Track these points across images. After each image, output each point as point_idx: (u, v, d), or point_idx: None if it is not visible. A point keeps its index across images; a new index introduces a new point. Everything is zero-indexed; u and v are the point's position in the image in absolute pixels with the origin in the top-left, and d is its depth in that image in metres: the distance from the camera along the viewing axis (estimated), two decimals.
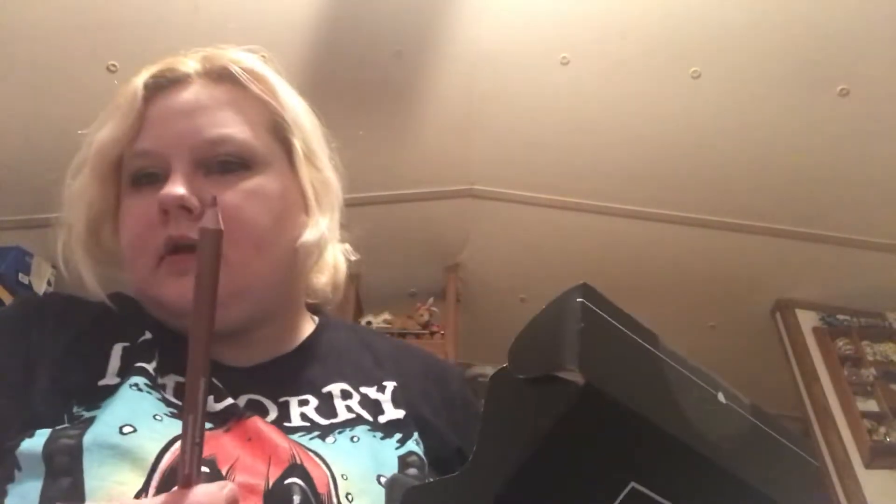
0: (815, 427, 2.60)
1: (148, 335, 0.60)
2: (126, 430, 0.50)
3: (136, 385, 0.54)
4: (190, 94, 0.64)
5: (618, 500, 0.33)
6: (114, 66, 2.02)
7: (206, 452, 0.50)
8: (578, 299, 0.34)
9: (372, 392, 0.65)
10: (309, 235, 0.65)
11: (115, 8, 1.93)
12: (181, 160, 0.60)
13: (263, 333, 0.65)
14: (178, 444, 0.45)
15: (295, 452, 0.54)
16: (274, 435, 0.55)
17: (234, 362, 0.62)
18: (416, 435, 0.62)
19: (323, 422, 0.60)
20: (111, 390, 0.54)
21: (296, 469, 0.52)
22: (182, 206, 0.58)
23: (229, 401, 0.56)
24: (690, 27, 2.02)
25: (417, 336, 2.72)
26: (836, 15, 1.95)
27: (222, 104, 0.64)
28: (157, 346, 0.59)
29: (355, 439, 0.59)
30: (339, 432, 0.59)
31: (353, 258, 0.75)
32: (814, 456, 0.43)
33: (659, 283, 2.82)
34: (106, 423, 0.50)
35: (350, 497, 0.53)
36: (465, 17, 2.01)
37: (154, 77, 0.65)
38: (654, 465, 0.34)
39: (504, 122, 2.33)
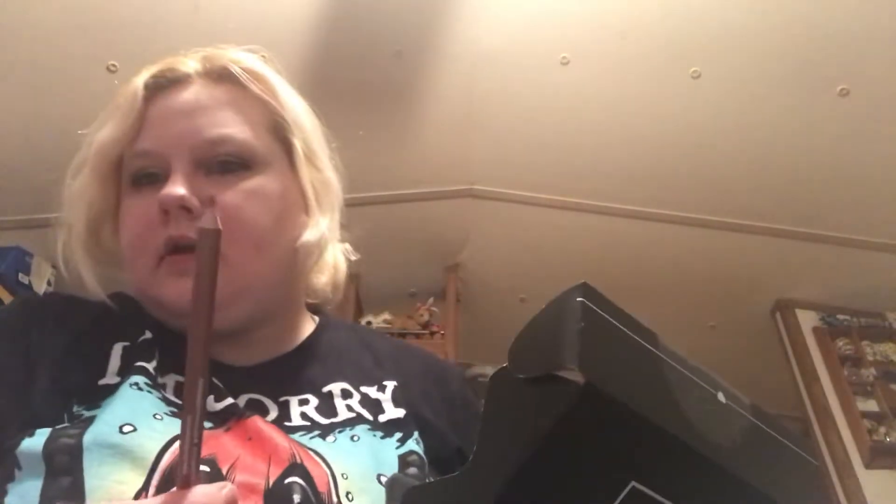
0: (815, 427, 2.60)
1: (148, 334, 0.60)
2: (126, 429, 0.50)
3: (137, 384, 0.54)
4: (190, 94, 0.64)
5: (618, 500, 0.33)
6: (114, 66, 2.02)
7: (207, 452, 0.50)
8: (578, 299, 0.34)
9: (372, 391, 0.65)
10: (309, 235, 0.65)
11: (115, 8, 1.93)
12: (181, 160, 0.60)
13: (264, 333, 0.65)
14: (178, 444, 0.45)
15: (295, 451, 0.54)
16: (274, 434, 0.55)
17: (234, 362, 0.62)
18: (416, 434, 0.62)
19: (323, 421, 0.60)
20: (111, 389, 0.54)
21: (296, 468, 0.52)
22: (182, 206, 0.58)
23: (229, 400, 0.56)
24: (690, 27, 2.02)
25: (417, 336, 2.72)
26: (836, 15, 1.95)
27: (222, 104, 0.64)
28: (158, 345, 0.59)
29: (355, 438, 0.59)
30: (340, 431, 0.59)
31: (353, 258, 0.75)
32: (814, 456, 0.43)
33: (659, 283, 2.82)
34: (106, 423, 0.50)
35: (350, 496, 0.53)
36: (465, 17, 2.01)
37: (154, 77, 0.65)
38: (655, 464, 0.34)
39: (504, 122, 2.33)
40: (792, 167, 2.37)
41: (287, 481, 0.51)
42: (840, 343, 2.76)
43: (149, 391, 0.54)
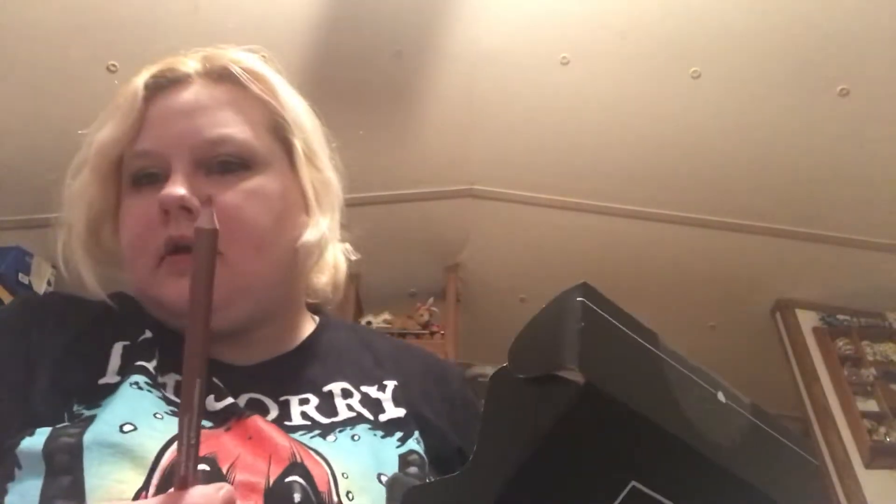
0: (815, 427, 2.60)
1: (148, 334, 0.60)
2: (126, 428, 0.50)
3: (137, 383, 0.54)
4: (190, 94, 0.64)
5: (618, 500, 0.33)
6: (114, 66, 2.02)
7: (207, 451, 0.50)
8: (578, 299, 0.34)
9: (372, 391, 0.65)
10: (309, 235, 0.65)
11: (115, 8, 1.93)
12: (181, 160, 0.60)
13: (264, 333, 0.65)
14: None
15: (295, 451, 0.54)
16: (274, 433, 0.55)
17: (234, 361, 0.62)
18: (416, 434, 0.62)
19: (324, 420, 0.60)
20: (111, 389, 0.54)
21: (296, 467, 0.52)
22: (182, 206, 0.58)
23: (230, 400, 0.56)
24: (690, 27, 2.02)
25: (417, 336, 2.72)
26: (836, 15, 1.95)
27: (222, 104, 0.64)
28: (158, 344, 0.59)
29: (356, 438, 0.59)
30: (340, 431, 0.59)
31: (353, 258, 0.76)
32: (814, 455, 0.43)
33: (659, 283, 2.82)
34: (106, 422, 0.50)
35: (350, 495, 0.53)
36: (465, 17, 2.01)
37: (154, 77, 0.65)
38: (655, 464, 0.34)
39: (504, 122, 2.33)
40: (792, 167, 2.37)
41: (287, 480, 0.51)
42: (840, 343, 2.76)
43: (149, 390, 0.54)
